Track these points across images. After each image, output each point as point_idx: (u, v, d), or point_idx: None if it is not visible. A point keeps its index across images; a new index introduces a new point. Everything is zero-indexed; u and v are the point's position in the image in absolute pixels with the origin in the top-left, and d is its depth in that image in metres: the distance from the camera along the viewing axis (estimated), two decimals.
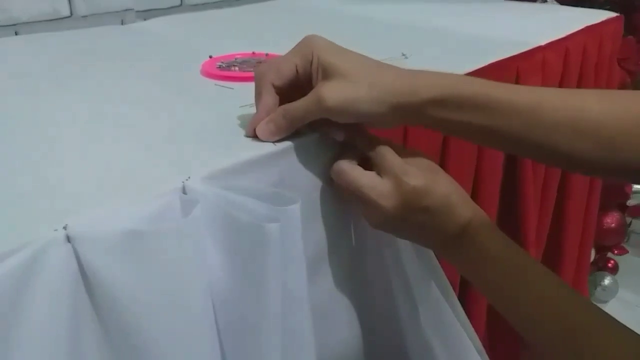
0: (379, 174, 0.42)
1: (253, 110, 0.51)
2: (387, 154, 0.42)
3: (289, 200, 0.37)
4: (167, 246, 0.34)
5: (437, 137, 0.61)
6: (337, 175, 0.44)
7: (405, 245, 0.49)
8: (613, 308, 1.41)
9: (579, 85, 0.84)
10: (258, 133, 0.43)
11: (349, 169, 0.43)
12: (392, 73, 0.41)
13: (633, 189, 1.37)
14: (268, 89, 0.43)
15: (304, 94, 0.42)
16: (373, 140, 0.43)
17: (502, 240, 0.43)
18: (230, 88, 0.59)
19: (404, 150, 0.44)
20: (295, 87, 0.43)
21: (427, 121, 0.42)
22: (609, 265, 1.45)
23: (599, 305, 1.39)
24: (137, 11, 1.07)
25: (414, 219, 0.42)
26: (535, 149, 0.41)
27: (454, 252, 0.44)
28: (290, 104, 0.43)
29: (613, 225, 1.38)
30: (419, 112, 0.41)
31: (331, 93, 0.40)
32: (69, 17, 0.98)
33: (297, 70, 0.43)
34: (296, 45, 0.43)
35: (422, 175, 0.41)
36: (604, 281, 1.42)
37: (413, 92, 0.40)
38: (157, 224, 0.35)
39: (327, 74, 0.41)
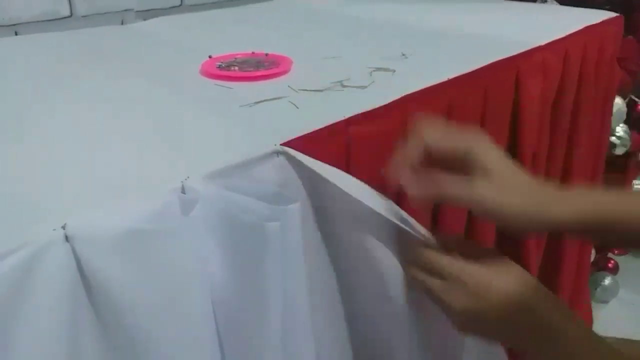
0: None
1: (253, 110, 0.52)
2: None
3: (288, 200, 0.37)
4: (166, 246, 0.34)
5: None
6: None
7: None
8: (613, 308, 1.41)
9: (579, 85, 0.83)
10: (401, 180, 0.43)
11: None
12: (548, 196, 0.42)
13: (633, 189, 1.37)
14: (418, 145, 0.43)
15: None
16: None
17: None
18: (230, 88, 0.59)
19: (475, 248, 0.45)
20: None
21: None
22: (609, 265, 1.45)
23: (600, 305, 1.38)
24: (137, 11, 1.07)
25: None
26: None
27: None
28: (447, 186, 0.43)
29: None
30: (551, 228, 0.42)
31: (494, 202, 0.41)
32: (69, 17, 0.98)
33: (448, 152, 0.43)
34: (465, 133, 0.43)
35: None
36: (604, 281, 1.41)
37: (549, 220, 0.41)
38: (156, 224, 0.35)
39: (485, 176, 0.41)
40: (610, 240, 0.43)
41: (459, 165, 0.43)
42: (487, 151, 0.42)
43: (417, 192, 0.43)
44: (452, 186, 0.42)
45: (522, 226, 0.41)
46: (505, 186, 0.41)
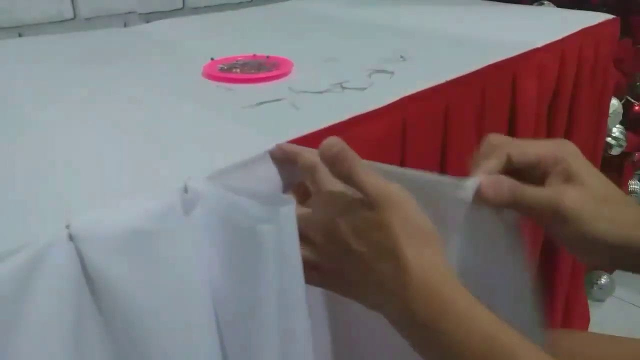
0: None
1: (254, 111, 0.52)
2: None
3: (286, 201, 0.37)
4: (168, 245, 0.34)
5: (436, 136, 0.61)
6: None
7: None
8: (609, 307, 1.41)
9: (575, 86, 0.84)
10: (482, 185, 0.39)
11: None
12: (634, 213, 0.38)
13: (630, 189, 1.37)
14: (501, 155, 0.40)
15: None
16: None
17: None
18: (231, 90, 0.59)
19: None
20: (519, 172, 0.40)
21: None
22: None
23: (596, 303, 1.38)
24: (140, 14, 1.08)
25: None
26: None
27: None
28: (524, 185, 0.39)
29: None
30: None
31: (577, 206, 0.36)
32: (72, 19, 0.99)
33: (539, 161, 0.40)
34: (550, 140, 0.41)
35: None
36: (600, 280, 1.42)
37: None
38: (158, 223, 0.35)
39: (571, 180, 0.38)
40: None
41: (539, 175, 0.39)
42: (575, 158, 0.38)
43: (492, 192, 0.38)
44: (533, 189, 0.38)
45: (610, 242, 0.36)
46: (598, 196, 0.37)
